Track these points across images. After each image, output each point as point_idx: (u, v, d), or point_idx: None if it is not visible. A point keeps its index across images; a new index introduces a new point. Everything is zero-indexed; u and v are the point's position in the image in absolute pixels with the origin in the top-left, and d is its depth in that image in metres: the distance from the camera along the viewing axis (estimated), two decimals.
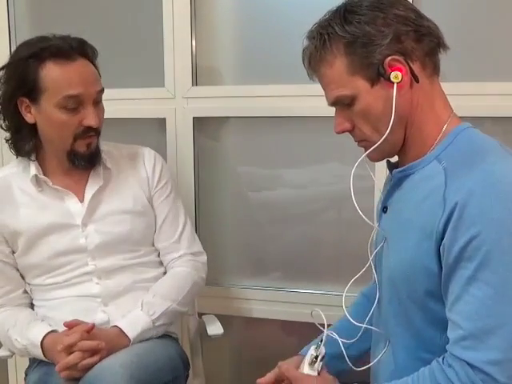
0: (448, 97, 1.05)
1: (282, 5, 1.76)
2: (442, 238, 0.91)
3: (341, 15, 0.97)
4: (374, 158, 1.06)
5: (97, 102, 1.39)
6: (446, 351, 0.92)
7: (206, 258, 1.58)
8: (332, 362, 1.11)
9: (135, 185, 1.50)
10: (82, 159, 1.40)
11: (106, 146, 1.50)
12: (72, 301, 1.43)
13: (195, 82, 1.81)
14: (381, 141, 0.98)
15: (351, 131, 1.03)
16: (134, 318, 1.39)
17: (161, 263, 1.55)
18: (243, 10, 1.81)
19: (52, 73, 1.32)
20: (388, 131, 0.97)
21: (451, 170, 0.94)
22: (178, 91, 1.79)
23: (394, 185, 1.06)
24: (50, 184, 1.42)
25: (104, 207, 1.45)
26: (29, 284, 1.48)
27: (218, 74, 1.84)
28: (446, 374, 0.90)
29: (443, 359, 0.92)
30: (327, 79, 1.01)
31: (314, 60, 1.00)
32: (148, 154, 1.55)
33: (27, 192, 1.43)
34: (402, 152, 1.04)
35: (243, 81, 1.82)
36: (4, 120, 1.42)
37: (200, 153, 1.85)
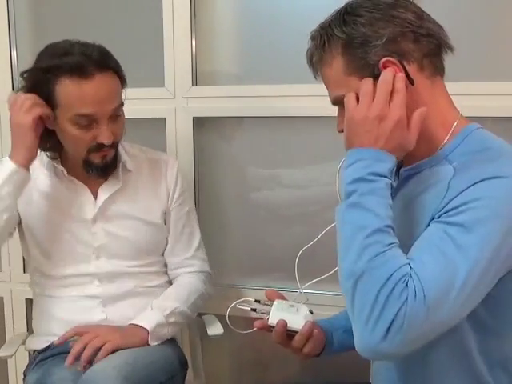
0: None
1: (282, 5, 1.75)
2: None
3: (340, 17, 0.98)
4: None
5: (115, 117, 1.35)
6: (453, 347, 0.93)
7: (212, 279, 1.61)
8: (342, 335, 1.20)
9: (152, 194, 1.50)
10: (95, 169, 1.39)
11: (130, 148, 1.50)
12: (72, 300, 1.44)
13: (195, 81, 1.81)
14: None
15: None
16: (146, 314, 1.40)
17: (165, 273, 1.56)
18: (243, 10, 1.81)
19: (66, 89, 1.29)
20: None
21: (460, 169, 0.93)
22: (178, 91, 1.79)
23: (400, 183, 1.05)
24: (65, 173, 1.42)
25: (116, 208, 1.45)
26: (37, 272, 1.48)
27: (217, 74, 1.84)
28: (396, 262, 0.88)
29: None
30: (327, 79, 1.02)
31: (315, 59, 1.03)
32: (171, 166, 1.53)
33: (47, 176, 1.43)
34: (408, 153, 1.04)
35: (243, 81, 1.81)
36: None
37: (200, 153, 1.85)
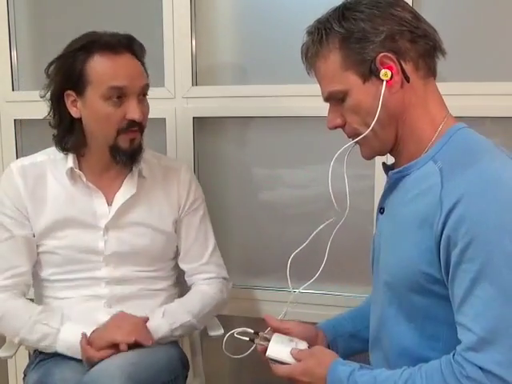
0: (447, 97, 1.05)
1: (282, 4, 1.76)
2: (441, 238, 0.91)
3: (339, 12, 1.00)
4: (365, 154, 1.07)
5: (143, 96, 1.40)
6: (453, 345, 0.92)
7: (231, 284, 1.62)
8: (348, 340, 1.21)
9: (165, 202, 1.51)
10: (123, 155, 1.39)
11: (144, 154, 1.49)
12: (78, 301, 1.44)
13: (195, 82, 1.81)
14: (367, 132, 1.00)
15: (343, 127, 1.05)
16: (154, 325, 1.39)
17: (171, 277, 1.56)
18: (243, 10, 1.81)
19: (98, 65, 1.34)
20: (374, 123, 0.98)
21: (447, 170, 0.94)
22: (178, 91, 1.79)
23: (390, 186, 1.06)
24: (84, 180, 1.43)
25: (129, 216, 1.45)
26: (41, 279, 1.48)
27: (217, 74, 1.84)
28: (456, 375, 0.89)
29: (453, 356, 0.90)
30: (321, 73, 1.03)
31: (311, 54, 1.03)
32: (184, 174, 1.54)
33: (60, 182, 1.44)
34: (396, 153, 1.05)
35: (243, 81, 1.82)
36: (54, 116, 1.42)
37: (200, 153, 1.85)
